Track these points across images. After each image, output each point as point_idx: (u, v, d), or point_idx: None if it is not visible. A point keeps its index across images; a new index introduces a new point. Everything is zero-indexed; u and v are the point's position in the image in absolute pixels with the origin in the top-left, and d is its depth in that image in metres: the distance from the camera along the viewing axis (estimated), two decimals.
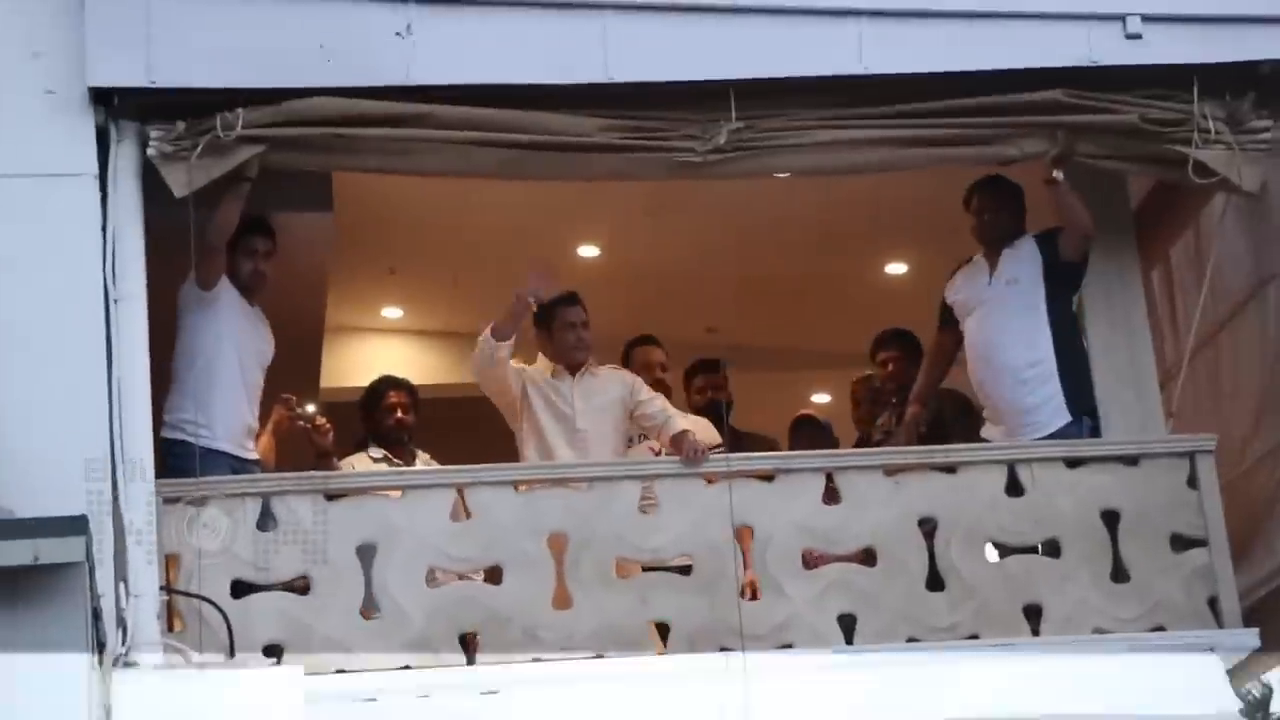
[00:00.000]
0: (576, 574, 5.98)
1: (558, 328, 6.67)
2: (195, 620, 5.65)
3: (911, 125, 6.20)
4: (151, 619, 5.39)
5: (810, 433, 7.37)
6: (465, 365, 6.94)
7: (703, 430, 6.67)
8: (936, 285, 6.86)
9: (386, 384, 7.06)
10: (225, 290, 6.24)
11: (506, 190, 6.93)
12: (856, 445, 7.22)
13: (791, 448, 7.21)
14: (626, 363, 7.03)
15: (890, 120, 6.19)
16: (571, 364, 6.65)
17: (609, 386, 6.66)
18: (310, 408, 6.76)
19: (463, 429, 7.03)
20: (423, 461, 6.89)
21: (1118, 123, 6.19)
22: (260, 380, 6.38)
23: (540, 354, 6.75)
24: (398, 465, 6.84)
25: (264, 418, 6.54)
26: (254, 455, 6.29)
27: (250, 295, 6.37)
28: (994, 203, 6.63)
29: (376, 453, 6.88)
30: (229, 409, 6.17)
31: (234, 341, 6.23)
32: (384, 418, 6.94)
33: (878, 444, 7.05)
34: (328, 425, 6.73)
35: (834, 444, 7.27)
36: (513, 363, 6.58)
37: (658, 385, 6.88)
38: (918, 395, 6.87)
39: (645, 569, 6.13)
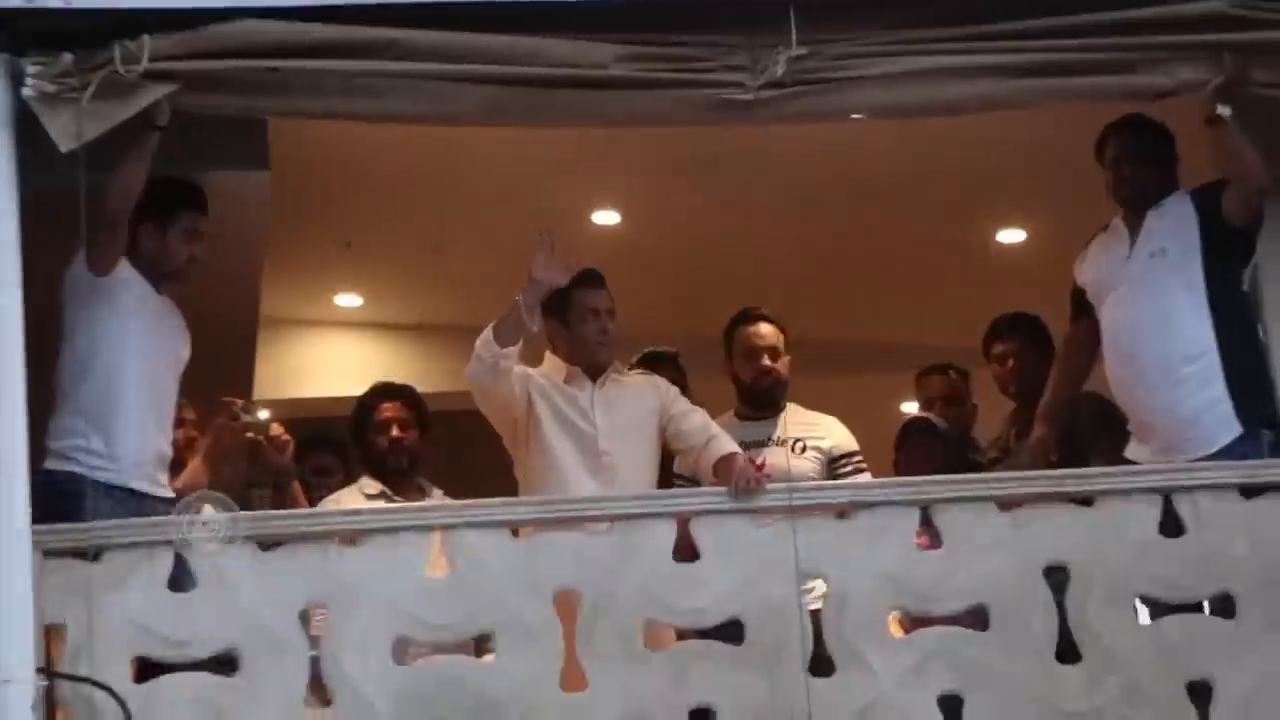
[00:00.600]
0: (592, 644, 5.83)
1: (575, 317, 6.59)
2: (84, 711, 5.53)
3: (1026, 49, 6.10)
4: (25, 712, 5.30)
5: (925, 442, 7.18)
6: (444, 368, 6.87)
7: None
8: (1063, 257, 6.77)
9: (378, 394, 7.09)
10: (126, 276, 6.11)
11: (499, 140, 6.91)
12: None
13: (899, 463, 7.14)
14: (729, 347, 7.04)
15: (998, 43, 6.09)
16: (593, 365, 6.57)
17: (640, 396, 6.60)
18: (263, 414, 6.71)
19: (444, 452, 7.07)
20: (436, 499, 6.87)
21: None
22: (174, 392, 6.28)
23: (549, 353, 6.68)
24: (399, 503, 6.79)
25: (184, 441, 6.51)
26: (167, 492, 6.19)
27: (160, 282, 6.24)
28: (1135, 151, 6.52)
29: (372, 487, 6.89)
30: (134, 432, 6.05)
31: (141, 344, 6.11)
32: (376, 438, 6.96)
33: (989, 467, 6.97)
34: (286, 436, 6.68)
35: (963, 460, 7.17)
36: (517, 368, 6.49)
37: (765, 376, 6.93)
38: (1047, 411, 6.73)
39: (682, 636, 6.02)
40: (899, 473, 7.02)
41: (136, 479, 6.01)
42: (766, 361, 6.96)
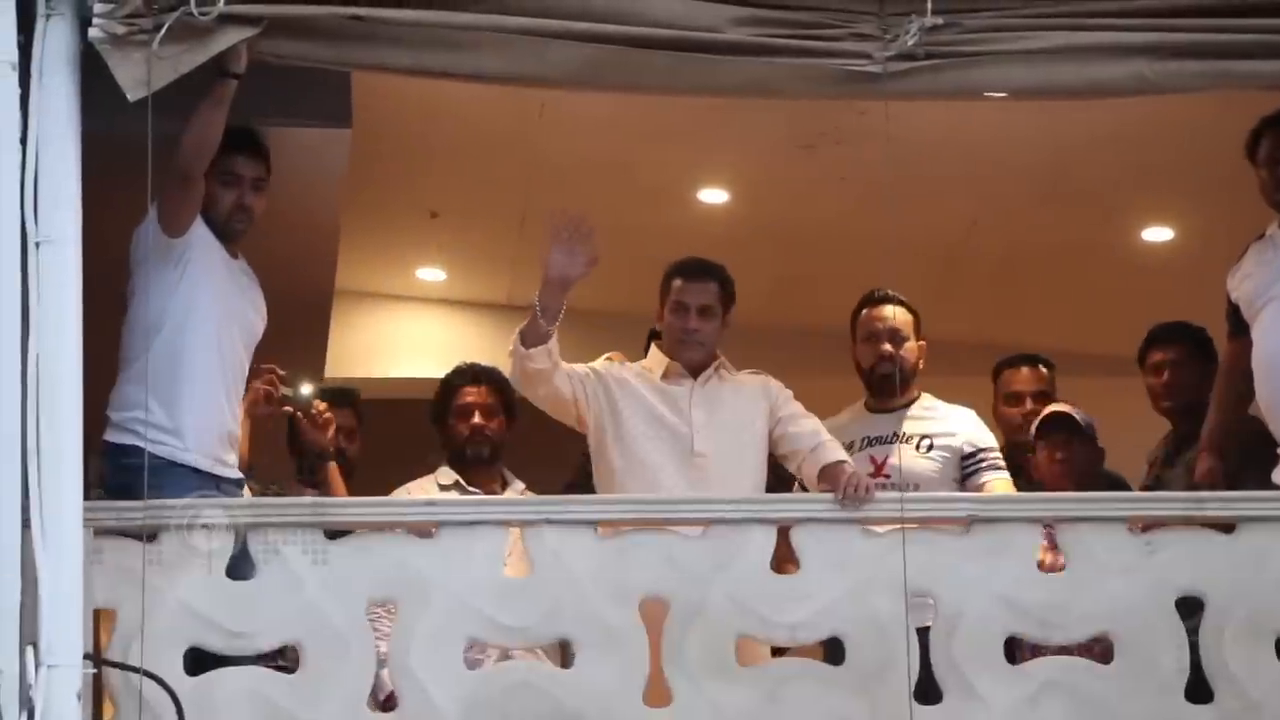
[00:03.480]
0: (680, 656, 5.92)
1: (669, 308, 6.68)
2: (133, 703, 5.60)
3: (1186, 28, 6.08)
4: (70, 699, 5.31)
5: (1065, 440, 7.10)
6: None
7: None
8: (1214, 260, 6.75)
9: (459, 376, 7.20)
10: (200, 237, 6.19)
11: (598, 106, 6.97)
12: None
13: (1036, 462, 7.12)
14: (854, 331, 7.06)
15: (1155, 20, 6.09)
16: (686, 363, 6.64)
17: (747, 397, 6.65)
18: (306, 389, 6.84)
19: (525, 444, 7.15)
20: (516, 493, 7.02)
21: None
22: (246, 365, 6.37)
23: (654, 345, 6.78)
24: (475, 495, 6.93)
25: None
26: (235, 473, 6.28)
27: (232, 242, 6.31)
28: None
29: (447, 477, 7.02)
30: (202, 406, 6.13)
31: (212, 310, 6.19)
32: (456, 424, 7.10)
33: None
34: (328, 415, 6.82)
35: (1098, 464, 7.13)
36: (578, 367, 6.57)
37: (883, 361, 6.92)
38: (1212, 438, 6.69)
39: (777, 653, 6.13)
40: (1035, 471, 7.03)
41: (199, 456, 6.08)
42: (887, 347, 6.95)
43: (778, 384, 6.71)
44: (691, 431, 6.53)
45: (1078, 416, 7.13)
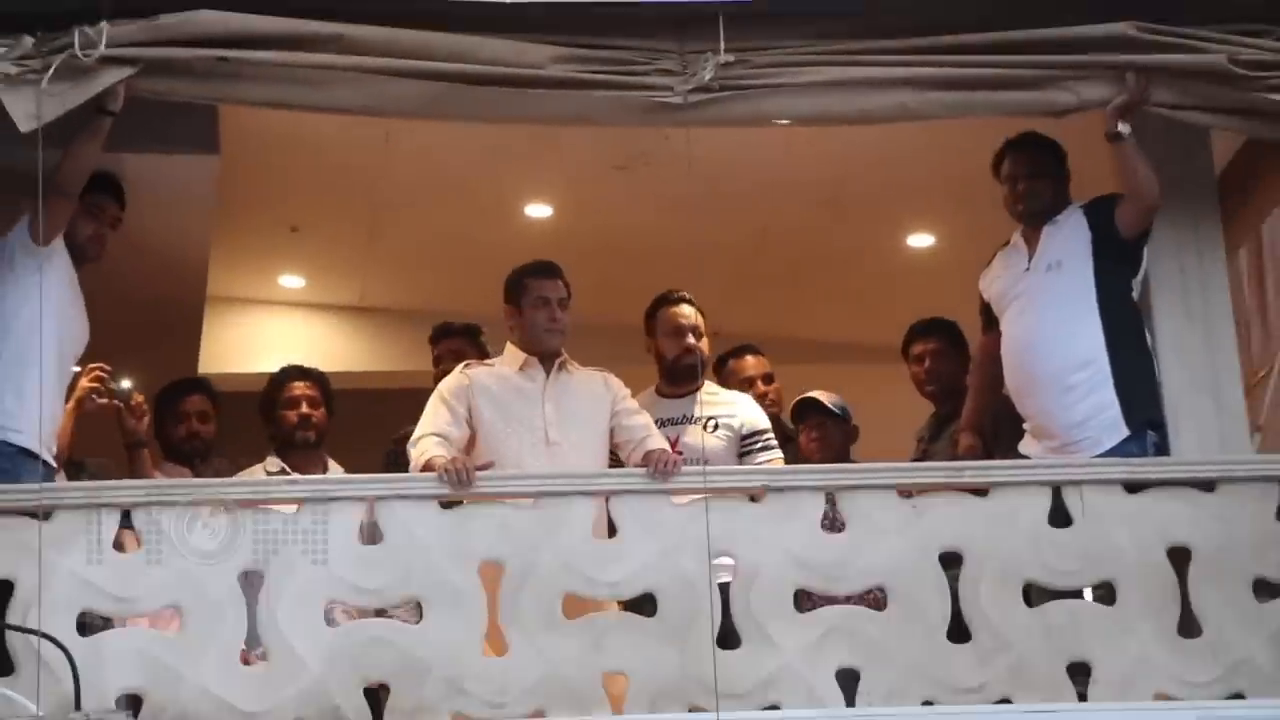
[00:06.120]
0: (514, 612, 5.98)
1: (527, 305, 6.63)
2: (31, 662, 5.61)
3: (940, 64, 6.25)
4: None
5: (819, 422, 7.22)
6: (380, 348, 6.91)
7: None
8: (970, 262, 6.89)
9: (287, 374, 7.12)
10: (59, 252, 6.20)
11: (437, 133, 6.96)
12: None
13: (803, 443, 7.20)
14: (651, 326, 7.06)
15: (914, 57, 6.25)
16: (543, 352, 6.61)
17: (591, 389, 6.65)
18: (125, 384, 6.78)
19: (377, 428, 7.11)
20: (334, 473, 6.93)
21: (1201, 64, 6.22)
22: (71, 372, 6.37)
23: (509, 343, 6.72)
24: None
25: None
26: (54, 463, 6.25)
27: (82, 265, 6.30)
28: (1030, 166, 6.62)
29: (274, 465, 6.93)
30: (46, 401, 6.05)
31: (61, 320, 6.18)
32: (285, 414, 7.01)
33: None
34: (144, 407, 6.78)
35: (852, 439, 7.24)
36: (459, 375, 6.55)
37: (689, 354, 6.91)
38: (970, 421, 6.82)
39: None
40: (805, 451, 7.08)
41: (44, 449, 6.05)
42: (690, 340, 6.97)
43: (617, 381, 6.71)
44: (545, 424, 6.51)
45: (825, 400, 7.20)
